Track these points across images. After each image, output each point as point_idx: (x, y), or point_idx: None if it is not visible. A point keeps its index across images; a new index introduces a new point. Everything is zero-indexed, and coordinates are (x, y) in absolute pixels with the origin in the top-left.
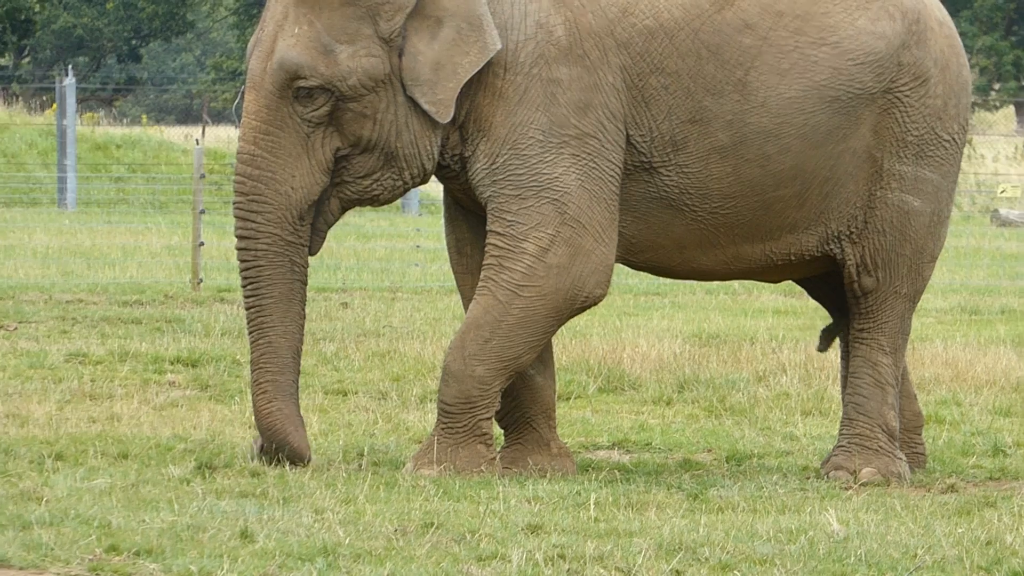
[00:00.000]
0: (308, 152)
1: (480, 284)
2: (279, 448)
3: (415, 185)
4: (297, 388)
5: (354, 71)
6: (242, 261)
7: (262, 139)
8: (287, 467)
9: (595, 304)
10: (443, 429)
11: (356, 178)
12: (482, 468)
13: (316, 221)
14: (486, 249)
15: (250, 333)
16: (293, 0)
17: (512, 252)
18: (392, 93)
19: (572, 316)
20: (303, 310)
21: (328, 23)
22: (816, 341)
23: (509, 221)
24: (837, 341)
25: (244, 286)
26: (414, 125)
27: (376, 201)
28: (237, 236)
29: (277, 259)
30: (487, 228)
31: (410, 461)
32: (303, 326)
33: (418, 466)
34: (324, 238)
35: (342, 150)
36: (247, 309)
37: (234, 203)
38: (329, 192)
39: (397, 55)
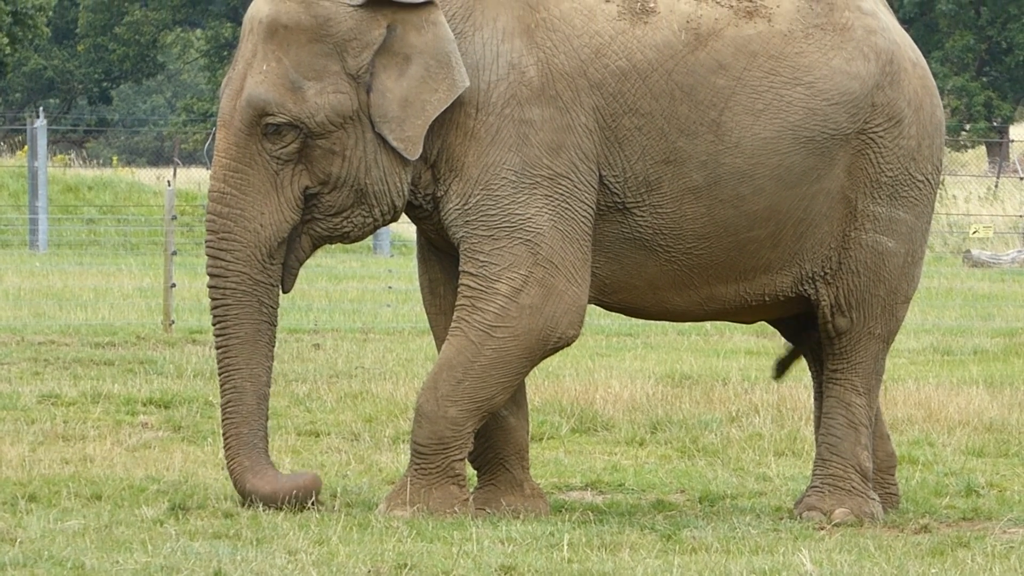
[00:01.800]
0: (277, 189)
1: (453, 325)
2: (256, 501)
3: (385, 223)
4: (263, 433)
5: (322, 107)
6: (212, 299)
7: (232, 176)
8: (261, 508)
9: (568, 344)
10: (416, 470)
11: (327, 216)
12: (455, 509)
13: (288, 259)
14: (459, 290)
15: (219, 374)
16: (262, 37)
17: (485, 293)
18: (361, 130)
19: (545, 357)
20: (270, 351)
21: (296, 60)
22: (772, 369)
23: (482, 262)
24: (806, 373)
25: (214, 324)
26: (383, 162)
27: (346, 238)
28: (208, 274)
29: (245, 298)
30: (460, 268)
31: (383, 502)
32: (270, 367)
33: (391, 507)
34: (296, 276)
35: (312, 188)
36: (216, 348)
37: (206, 241)
38: (300, 229)
39: (365, 91)
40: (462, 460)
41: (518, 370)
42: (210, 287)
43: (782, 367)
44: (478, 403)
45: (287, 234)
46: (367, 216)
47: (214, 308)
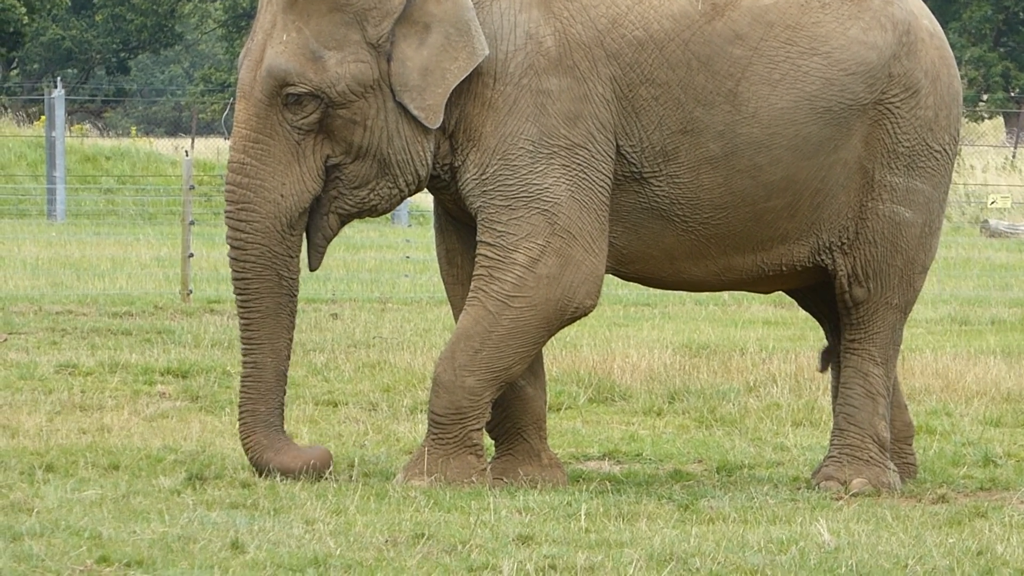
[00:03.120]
0: (298, 159)
1: (470, 295)
2: (270, 473)
3: (411, 193)
4: (279, 409)
5: (343, 77)
6: (233, 271)
7: (252, 147)
8: (278, 478)
9: (585, 315)
10: (433, 440)
11: (351, 189)
12: (472, 479)
13: (315, 237)
14: (476, 259)
15: (242, 344)
16: (281, 8)
17: (502, 262)
18: (382, 99)
19: (562, 327)
20: (291, 323)
21: (316, 30)
22: (816, 360)
23: (499, 231)
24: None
25: (236, 295)
26: (405, 131)
27: (374, 211)
28: (229, 245)
29: (265, 272)
30: (477, 238)
31: (400, 472)
32: (291, 340)
33: (408, 477)
34: (323, 254)
35: (333, 158)
36: (239, 320)
37: (225, 212)
38: (327, 207)
39: (386, 60)
40: (479, 430)
41: (535, 340)
42: (231, 259)
43: (827, 358)
44: (495, 373)
45: (308, 204)
46: (392, 187)
47: (235, 280)
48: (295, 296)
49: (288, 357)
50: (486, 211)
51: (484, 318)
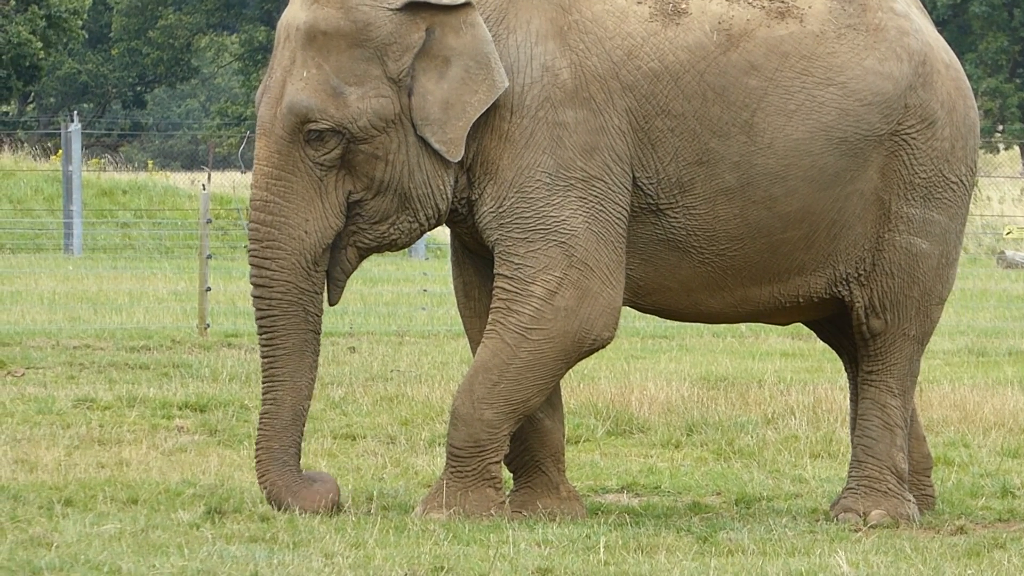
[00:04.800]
0: (321, 195)
1: (488, 327)
2: (289, 508)
3: (431, 227)
4: (295, 447)
5: (364, 112)
6: (257, 309)
7: (274, 184)
8: (297, 512)
9: (603, 347)
10: (452, 473)
11: (372, 223)
12: (492, 512)
13: (334, 271)
14: (494, 292)
15: (263, 381)
16: (300, 44)
17: (520, 295)
18: (403, 133)
19: (580, 359)
20: (315, 361)
21: (336, 65)
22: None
23: (517, 264)
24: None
25: (259, 334)
26: (426, 165)
27: (394, 246)
28: (252, 284)
29: (291, 308)
30: (495, 271)
31: (419, 505)
32: (313, 378)
33: (427, 510)
34: (342, 288)
35: (355, 193)
36: (262, 357)
37: (249, 250)
38: (346, 241)
39: (407, 95)
40: (498, 463)
41: (553, 372)
42: (255, 297)
43: None
44: (514, 405)
45: (331, 240)
46: (412, 221)
47: (260, 318)
48: (319, 333)
49: (309, 396)
50: (503, 243)
51: (502, 351)
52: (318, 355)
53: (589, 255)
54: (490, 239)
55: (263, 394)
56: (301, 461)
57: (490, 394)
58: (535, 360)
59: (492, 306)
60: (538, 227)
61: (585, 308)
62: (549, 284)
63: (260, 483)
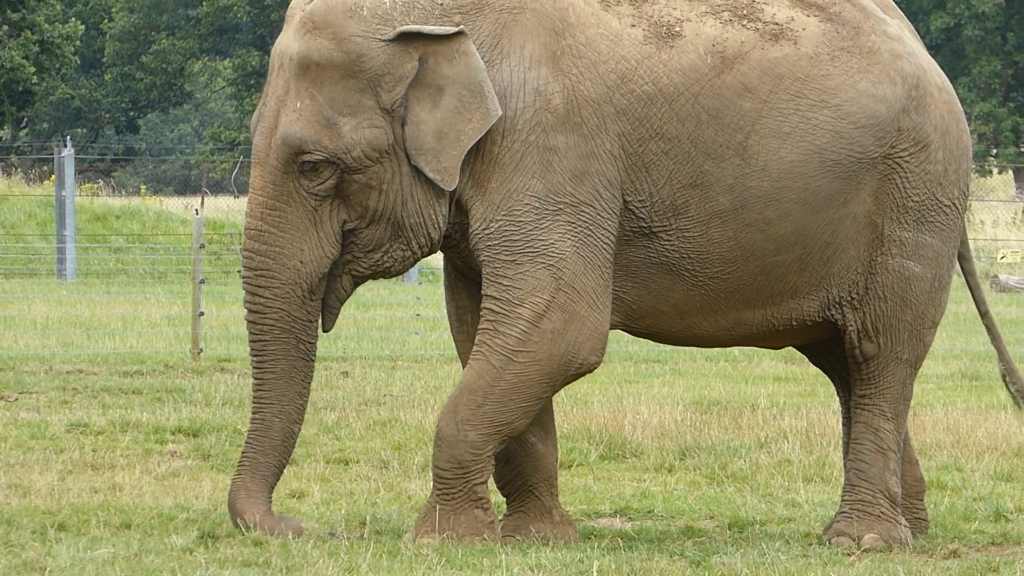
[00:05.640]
0: (316, 225)
1: (474, 349)
2: (235, 521)
3: (424, 255)
4: (278, 469)
5: (358, 143)
6: (250, 334)
7: (269, 215)
8: (290, 537)
9: (590, 371)
10: (439, 496)
11: (366, 252)
12: (484, 534)
13: (329, 298)
14: (482, 313)
15: (252, 403)
16: (294, 74)
17: (507, 317)
18: (397, 163)
19: (566, 383)
20: (305, 388)
21: (330, 96)
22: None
23: (505, 286)
24: (838, 406)
25: (252, 357)
26: (419, 194)
27: (388, 273)
28: (246, 309)
29: (283, 335)
30: (483, 292)
31: (411, 530)
32: (304, 404)
33: (419, 535)
34: (336, 315)
35: (349, 222)
36: (253, 379)
37: (243, 277)
38: (341, 270)
39: (400, 125)
40: (484, 483)
41: (539, 395)
42: (249, 322)
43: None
44: (498, 427)
45: (327, 270)
46: (406, 249)
47: (252, 343)
48: (312, 360)
49: (299, 420)
50: (491, 265)
51: (488, 372)
52: (310, 381)
53: (577, 279)
54: (479, 260)
55: (252, 416)
56: (295, 486)
57: (474, 416)
58: (520, 383)
59: (479, 327)
60: (527, 250)
61: (572, 332)
62: (537, 307)
63: (232, 481)
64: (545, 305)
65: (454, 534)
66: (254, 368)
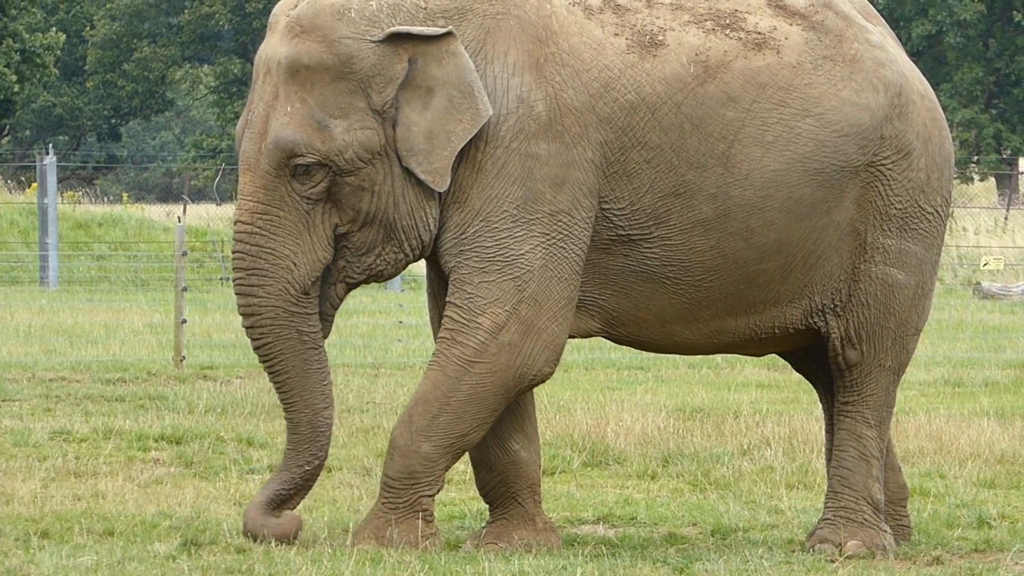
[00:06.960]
0: (309, 229)
1: (432, 358)
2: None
3: (415, 258)
4: (316, 462)
5: (350, 144)
6: (252, 339)
7: (260, 219)
8: (273, 544)
9: (543, 381)
10: (385, 503)
11: (359, 256)
12: (423, 544)
13: (323, 306)
14: (443, 321)
15: (281, 405)
16: (283, 79)
17: (466, 326)
18: (388, 165)
19: (520, 394)
20: (323, 375)
21: (320, 99)
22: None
23: (469, 294)
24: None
25: (261, 362)
26: (410, 196)
27: (380, 277)
28: (241, 314)
29: (283, 332)
30: (447, 299)
31: (350, 535)
32: (327, 391)
33: (357, 540)
34: (331, 323)
35: (341, 226)
36: (272, 383)
37: (234, 280)
38: (336, 277)
39: (391, 126)
40: (431, 496)
41: (493, 406)
42: (246, 327)
43: None
44: (452, 439)
45: (320, 273)
46: (398, 252)
47: (256, 348)
48: (320, 347)
49: (328, 406)
50: (459, 271)
51: (443, 383)
52: (326, 367)
53: (540, 291)
54: (447, 265)
55: (284, 412)
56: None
57: (429, 427)
58: (476, 394)
59: (439, 335)
60: (496, 258)
61: (528, 344)
62: (498, 318)
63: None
64: (506, 317)
65: (390, 541)
66: (267, 371)
